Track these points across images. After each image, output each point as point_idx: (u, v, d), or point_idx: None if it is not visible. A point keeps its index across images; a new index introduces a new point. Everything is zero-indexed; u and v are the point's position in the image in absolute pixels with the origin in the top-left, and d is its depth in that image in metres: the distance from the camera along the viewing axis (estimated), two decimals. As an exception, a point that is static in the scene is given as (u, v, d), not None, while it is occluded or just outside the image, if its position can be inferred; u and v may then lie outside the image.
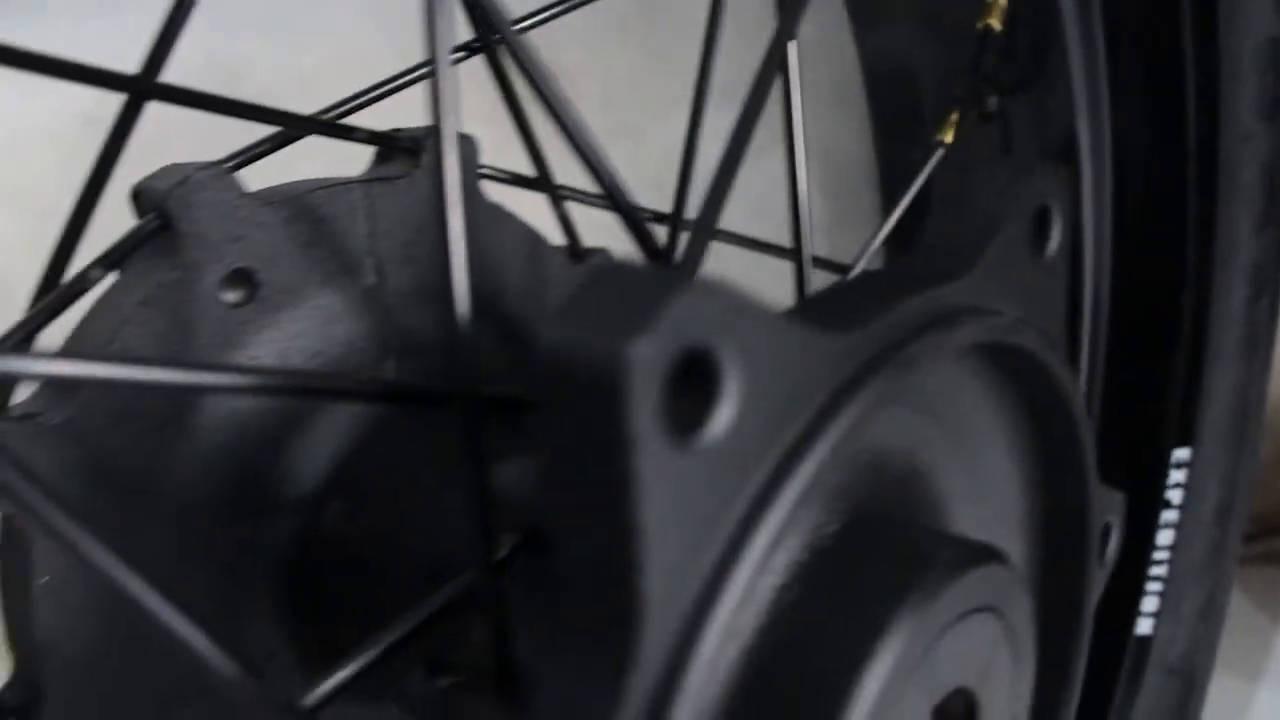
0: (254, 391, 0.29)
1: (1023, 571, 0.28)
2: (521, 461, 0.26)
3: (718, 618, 0.18)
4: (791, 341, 0.19)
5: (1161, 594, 0.52)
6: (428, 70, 0.24)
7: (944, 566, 0.23)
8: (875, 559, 0.24)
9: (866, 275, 0.38)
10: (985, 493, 0.30)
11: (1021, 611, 0.27)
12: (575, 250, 0.41)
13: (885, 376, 0.20)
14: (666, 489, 0.17)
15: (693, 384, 0.17)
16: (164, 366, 0.24)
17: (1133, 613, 0.52)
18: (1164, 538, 0.51)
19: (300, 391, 0.28)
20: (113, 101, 0.31)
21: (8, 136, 0.59)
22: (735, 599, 0.18)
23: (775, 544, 0.18)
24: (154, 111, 0.31)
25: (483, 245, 0.37)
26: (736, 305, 0.17)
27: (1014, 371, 0.27)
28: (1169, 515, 0.51)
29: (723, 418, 0.17)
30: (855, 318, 0.20)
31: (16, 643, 0.32)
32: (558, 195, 0.40)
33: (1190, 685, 0.54)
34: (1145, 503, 0.51)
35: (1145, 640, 0.52)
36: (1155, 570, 0.52)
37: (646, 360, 0.16)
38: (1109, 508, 0.34)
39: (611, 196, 0.26)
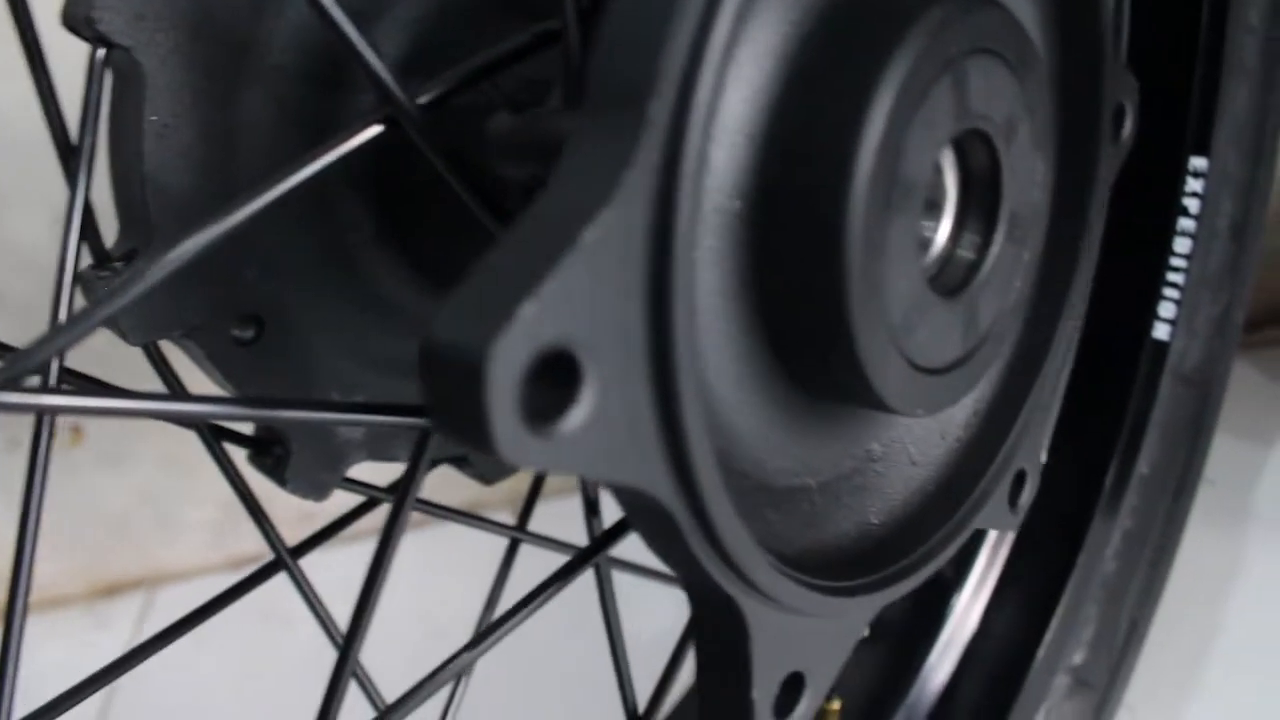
0: None
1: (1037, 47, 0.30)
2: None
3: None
4: None
5: (1178, 302, 0.54)
6: None
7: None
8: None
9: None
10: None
11: (1036, 77, 0.29)
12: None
13: None
14: None
15: None
16: None
17: (1149, 316, 0.54)
18: (1181, 245, 0.54)
19: None
20: None
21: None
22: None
23: None
24: None
25: None
26: None
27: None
28: (1186, 223, 0.54)
29: None
30: None
31: (125, 186, 0.35)
32: None
33: (1205, 398, 0.57)
34: (1163, 208, 0.53)
35: (1161, 345, 0.55)
36: (1172, 277, 0.54)
37: None
38: (1124, 90, 0.36)
39: None
